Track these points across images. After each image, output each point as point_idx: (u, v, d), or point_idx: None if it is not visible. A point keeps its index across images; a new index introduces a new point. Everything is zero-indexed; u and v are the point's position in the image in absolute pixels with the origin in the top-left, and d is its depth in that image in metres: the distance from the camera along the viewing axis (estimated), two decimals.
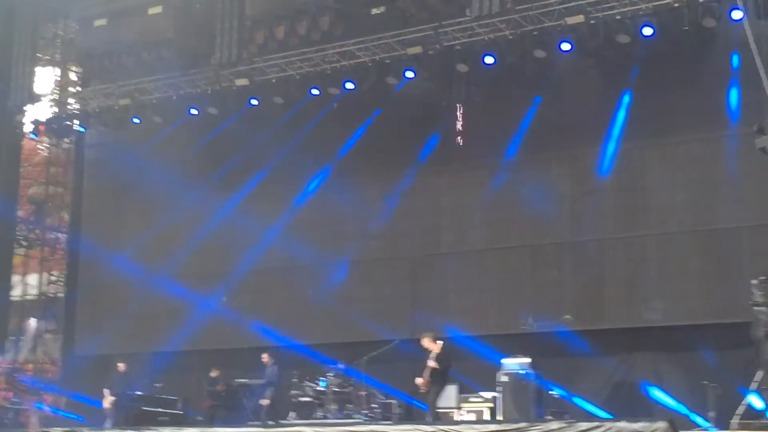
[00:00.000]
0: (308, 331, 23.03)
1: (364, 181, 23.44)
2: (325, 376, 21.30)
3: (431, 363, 18.26)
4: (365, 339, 21.85)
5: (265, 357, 22.04)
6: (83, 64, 27.45)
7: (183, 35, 23.92)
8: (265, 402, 21.70)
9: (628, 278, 20.70)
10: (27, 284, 28.80)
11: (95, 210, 27.56)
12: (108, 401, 22.80)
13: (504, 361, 19.84)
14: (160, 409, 22.62)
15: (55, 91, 27.99)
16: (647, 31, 19.06)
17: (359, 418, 20.27)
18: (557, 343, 20.40)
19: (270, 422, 20.40)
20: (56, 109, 26.39)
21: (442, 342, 18.51)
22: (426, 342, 18.65)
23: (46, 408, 26.95)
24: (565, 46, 19.81)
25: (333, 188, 23.52)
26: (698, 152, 20.38)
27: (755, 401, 15.27)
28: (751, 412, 15.00)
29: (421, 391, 18.70)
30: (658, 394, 19.80)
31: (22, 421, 25.35)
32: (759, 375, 15.37)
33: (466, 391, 20.65)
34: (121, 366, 23.33)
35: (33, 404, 26.80)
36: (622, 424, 13.12)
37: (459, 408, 20.39)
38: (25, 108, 25.93)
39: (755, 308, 15.80)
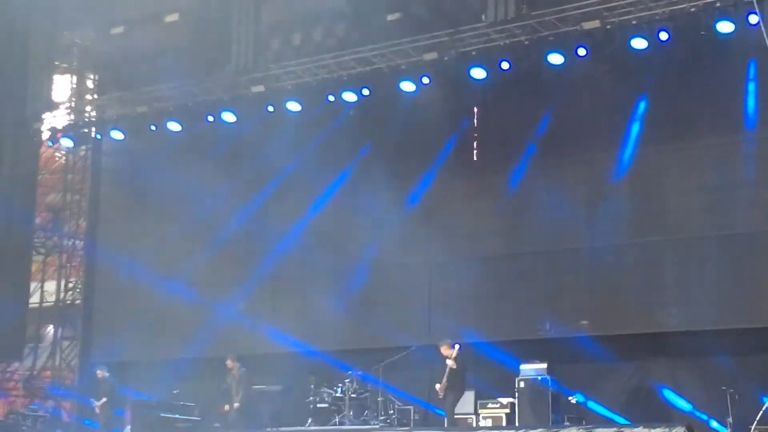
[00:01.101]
0: (325, 337, 23.01)
1: (380, 187, 23.40)
2: (342, 383, 21.36)
3: (449, 362, 18.33)
4: (382, 345, 21.86)
5: (229, 362, 22.08)
6: (100, 72, 27.57)
7: (199, 42, 23.99)
8: (236, 406, 21.70)
9: (644, 283, 20.64)
10: (45, 291, 28.90)
11: (112, 217, 27.63)
12: (97, 407, 23.38)
13: (521, 366, 19.88)
14: (178, 416, 22.69)
15: (72, 98, 28.11)
16: (663, 35, 18.99)
17: (376, 425, 20.30)
18: (574, 348, 20.40)
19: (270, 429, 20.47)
20: (73, 117, 26.45)
21: (459, 345, 18.58)
22: (444, 349, 18.72)
23: (64, 415, 27.06)
24: (582, 52, 19.75)
25: (349, 194, 23.53)
26: (715, 157, 20.32)
27: None
28: None
29: (439, 396, 18.77)
30: (675, 399, 19.75)
31: (39, 428, 25.43)
32: None
33: (483, 396, 20.67)
34: (100, 373, 23.77)
35: (50, 411, 26.92)
36: (640, 430, 13.14)
37: (476, 414, 20.39)
38: (42, 116, 25.99)
39: None
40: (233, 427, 21.66)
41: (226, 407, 21.98)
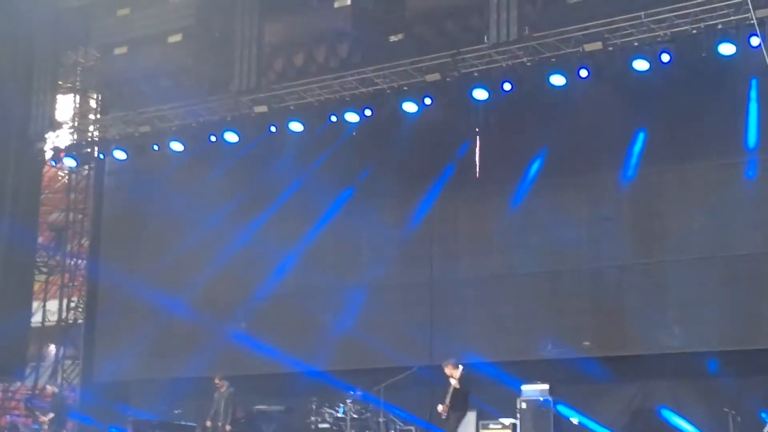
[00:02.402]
0: (327, 357, 23.01)
1: (381, 207, 23.48)
2: (344, 403, 21.34)
3: (453, 382, 18.34)
4: (384, 365, 21.84)
5: (217, 380, 22.11)
6: (103, 92, 27.63)
7: (202, 63, 24.05)
8: (228, 429, 21.81)
9: (646, 304, 20.63)
10: (47, 310, 28.91)
11: (115, 236, 27.66)
12: (45, 422, 23.75)
13: (523, 387, 19.86)
14: None
15: (75, 118, 28.17)
16: (665, 57, 19.03)
17: None
18: (576, 369, 20.40)
19: None
20: (76, 137, 26.50)
21: (461, 367, 18.58)
22: (448, 369, 18.73)
23: None
24: (583, 73, 19.80)
25: (351, 214, 23.55)
26: (716, 178, 20.36)
27: None
28: None
29: (442, 417, 18.75)
30: (677, 421, 19.73)
31: None
32: None
33: (485, 417, 20.65)
34: (50, 388, 24.70)
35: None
36: None
37: None
38: (45, 135, 26.03)
39: None
40: None
41: (208, 423, 21.98)
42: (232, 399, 22.04)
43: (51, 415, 23.45)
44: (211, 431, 21.87)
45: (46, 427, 23.60)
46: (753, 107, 19.78)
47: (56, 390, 24.02)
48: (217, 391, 22.18)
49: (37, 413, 23.71)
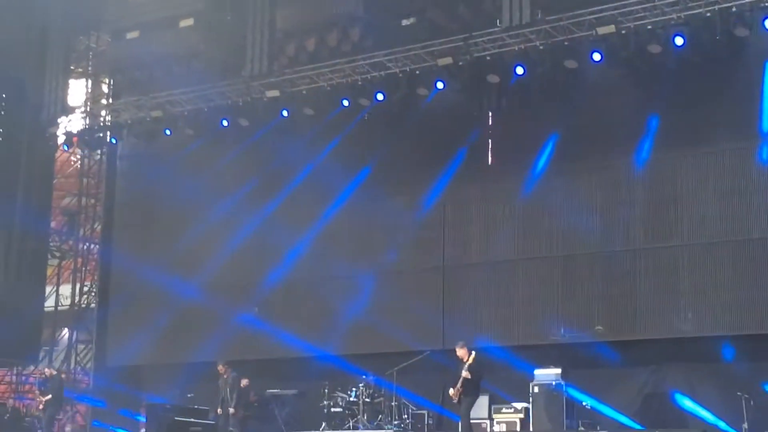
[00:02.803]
0: (339, 341, 23.04)
1: (394, 191, 23.45)
2: (356, 387, 21.37)
3: (464, 373, 18.31)
4: (396, 350, 21.89)
5: (221, 367, 22.14)
6: (115, 77, 27.69)
7: (214, 47, 24.07)
8: (232, 412, 21.88)
9: (659, 289, 20.58)
10: (60, 295, 28.99)
11: (127, 221, 27.73)
12: (41, 401, 23.75)
13: (536, 372, 19.85)
14: (192, 419, 22.73)
15: (88, 103, 28.21)
16: (678, 40, 18.93)
17: (390, 429, 20.30)
18: (589, 353, 20.39)
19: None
20: (88, 121, 26.53)
21: (474, 353, 18.56)
22: (461, 352, 18.72)
23: (79, 418, 27.15)
24: (596, 57, 19.73)
25: (363, 199, 23.53)
26: (730, 162, 20.26)
27: None
28: None
29: (453, 401, 18.75)
30: (690, 405, 19.70)
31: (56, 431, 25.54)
32: None
33: (497, 401, 20.65)
34: (48, 371, 24.33)
35: (67, 415, 27.04)
36: None
37: (490, 419, 20.38)
38: (58, 120, 26.07)
39: None
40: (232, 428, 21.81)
41: (219, 411, 22.06)
42: (236, 383, 22.08)
43: (48, 396, 23.50)
44: (222, 417, 21.93)
45: (41, 407, 23.66)
46: (767, 90, 19.67)
47: (54, 372, 24.11)
48: (221, 378, 22.23)
49: (36, 395, 23.84)
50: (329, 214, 23.95)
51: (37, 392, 24.20)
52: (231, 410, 21.80)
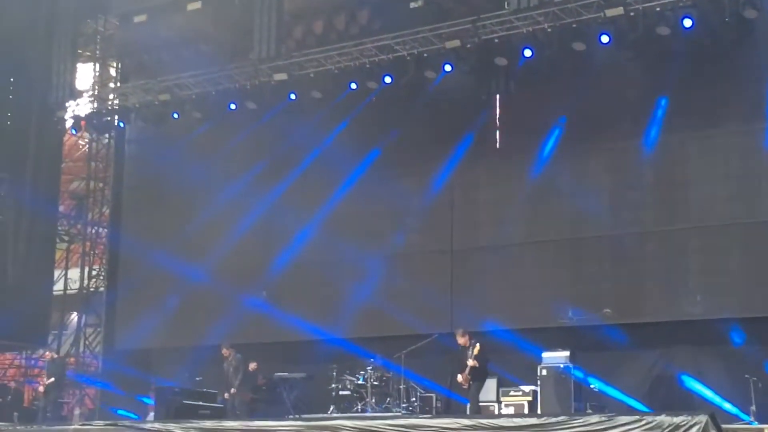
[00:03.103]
0: (347, 325, 23.05)
1: (402, 174, 23.45)
2: (365, 370, 21.39)
3: (471, 362, 18.39)
4: (404, 333, 21.92)
5: (225, 350, 22.15)
6: (123, 60, 27.71)
7: (222, 31, 24.04)
8: (233, 391, 21.92)
9: (668, 271, 20.57)
10: (69, 279, 29.06)
11: (135, 205, 27.77)
12: (43, 384, 23.88)
13: (544, 354, 19.85)
14: (200, 403, 22.78)
15: (95, 86, 28.23)
16: (687, 22, 18.88)
17: (399, 412, 20.33)
18: (597, 336, 20.37)
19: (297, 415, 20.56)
20: (96, 105, 26.54)
21: (478, 344, 18.64)
22: (461, 339, 18.80)
23: (88, 402, 27.23)
24: (605, 39, 19.67)
25: (371, 182, 23.52)
26: (739, 144, 20.22)
27: None
28: None
29: (464, 386, 18.85)
30: (698, 387, 19.70)
31: (64, 414, 25.62)
32: None
33: (505, 384, 20.65)
34: (49, 354, 24.61)
35: (80, 398, 27.14)
36: (663, 418, 13.06)
37: (498, 401, 20.40)
38: (66, 104, 26.09)
39: None
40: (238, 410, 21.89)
41: (226, 395, 22.12)
42: (241, 365, 22.12)
43: (52, 379, 23.55)
44: (230, 401, 22.00)
45: (41, 389, 23.70)
46: None
47: (55, 355, 24.18)
48: (225, 361, 22.25)
49: (39, 379, 23.93)
50: (337, 198, 23.95)
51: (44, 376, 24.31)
52: (232, 390, 21.85)
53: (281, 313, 23.75)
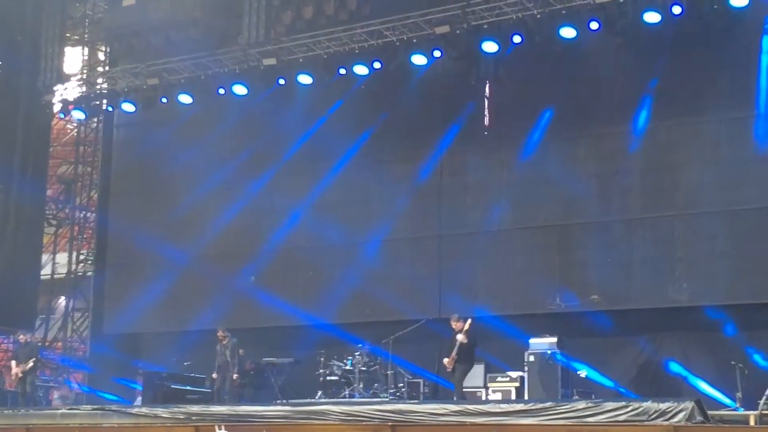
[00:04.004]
0: (335, 310, 23.06)
1: (391, 160, 23.48)
2: (352, 356, 21.42)
3: (460, 336, 18.40)
4: (392, 318, 21.92)
5: (220, 333, 22.11)
6: (111, 44, 27.57)
7: (211, 15, 23.98)
8: (235, 377, 21.83)
9: (655, 258, 20.63)
10: (56, 263, 29.01)
11: (124, 189, 27.69)
12: (19, 371, 22.94)
13: (531, 340, 19.91)
14: (188, 387, 22.82)
15: (84, 70, 28.13)
16: (676, 9, 18.87)
17: (386, 397, 20.37)
18: (584, 322, 20.45)
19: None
20: (85, 89, 26.45)
21: (470, 320, 18.64)
22: (454, 322, 18.78)
23: (75, 386, 27.21)
24: (594, 25, 19.67)
25: (360, 168, 23.51)
26: (726, 132, 20.27)
27: None
28: None
29: (448, 370, 18.82)
30: (684, 373, 19.77)
31: (51, 398, 25.62)
32: None
33: (492, 370, 20.71)
34: (23, 337, 24.08)
35: (62, 382, 27.09)
36: (649, 404, 13.12)
37: (486, 387, 20.45)
38: (54, 88, 25.99)
39: None
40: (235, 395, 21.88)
41: (214, 375, 22.04)
42: (236, 349, 22.11)
43: (30, 364, 23.21)
44: (218, 382, 21.95)
45: (20, 374, 23.21)
46: (765, 60, 19.65)
47: (29, 339, 23.96)
48: (219, 344, 22.24)
49: (19, 362, 23.44)
50: (326, 183, 23.94)
51: (12, 363, 23.82)
52: (234, 376, 21.79)
53: (269, 297, 23.76)
